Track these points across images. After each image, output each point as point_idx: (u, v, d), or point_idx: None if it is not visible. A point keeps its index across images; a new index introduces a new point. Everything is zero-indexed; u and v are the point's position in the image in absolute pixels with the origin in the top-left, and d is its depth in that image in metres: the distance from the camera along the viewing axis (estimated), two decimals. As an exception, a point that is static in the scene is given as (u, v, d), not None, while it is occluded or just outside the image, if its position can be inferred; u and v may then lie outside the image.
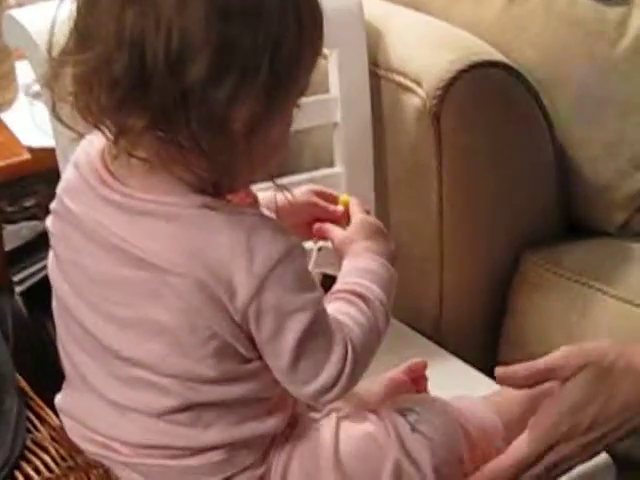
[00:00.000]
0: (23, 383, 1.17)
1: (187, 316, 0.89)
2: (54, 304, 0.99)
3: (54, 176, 1.18)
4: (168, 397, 0.92)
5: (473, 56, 1.33)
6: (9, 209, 1.58)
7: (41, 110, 1.41)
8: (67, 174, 0.96)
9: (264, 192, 1.02)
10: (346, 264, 1.00)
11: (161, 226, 0.88)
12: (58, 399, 1.02)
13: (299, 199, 1.06)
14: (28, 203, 1.58)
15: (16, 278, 1.51)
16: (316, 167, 1.36)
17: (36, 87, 1.51)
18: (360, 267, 0.99)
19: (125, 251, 0.90)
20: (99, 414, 0.96)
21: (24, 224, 1.55)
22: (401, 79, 1.35)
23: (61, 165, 1.17)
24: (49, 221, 0.98)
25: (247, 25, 0.83)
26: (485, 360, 1.40)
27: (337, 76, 1.33)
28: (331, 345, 0.91)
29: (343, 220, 1.05)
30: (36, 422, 1.12)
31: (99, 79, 0.84)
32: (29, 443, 1.09)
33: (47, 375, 1.31)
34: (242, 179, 0.91)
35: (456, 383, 1.32)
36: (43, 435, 1.10)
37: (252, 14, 0.83)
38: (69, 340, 0.98)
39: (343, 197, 1.06)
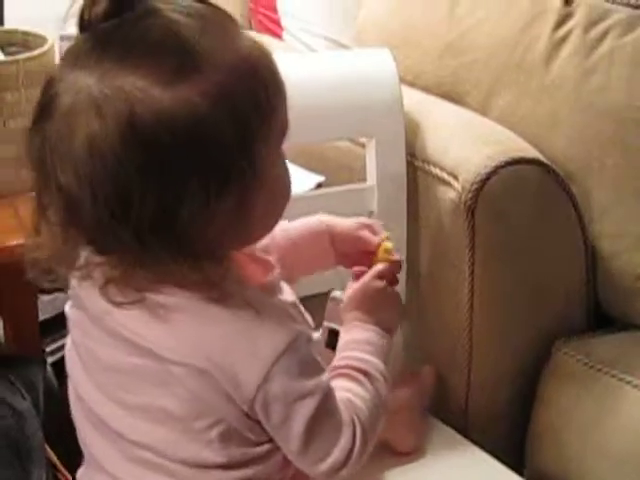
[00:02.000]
0: (52, 455, 1.18)
1: (192, 404, 0.90)
2: (69, 387, 1.01)
3: None
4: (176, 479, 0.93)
5: (509, 152, 1.35)
6: (44, 279, 1.59)
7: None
8: None
9: (313, 217, 1.07)
10: (342, 335, 1.01)
11: (162, 318, 0.89)
12: (79, 475, 1.03)
13: (347, 230, 1.08)
14: (63, 274, 1.59)
15: (49, 349, 1.53)
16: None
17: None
18: (356, 339, 1.00)
19: (130, 340, 0.91)
20: None
21: (58, 295, 1.56)
22: (437, 171, 1.37)
23: None
24: (67, 306, 1.00)
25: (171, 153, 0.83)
26: (512, 453, 1.40)
27: (374, 165, 1.35)
28: (340, 426, 0.93)
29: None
30: (63, 494, 1.13)
31: None
32: (54, 516, 1.10)
33: (76, 447, 1.32)
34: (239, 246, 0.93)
35: (481, 477, 1.32)
36: (69, 507, 1.11)
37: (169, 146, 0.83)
38: (83, 422, 0.99)
39: (385, 244, 1.06)
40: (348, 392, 0.95)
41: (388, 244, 1.06)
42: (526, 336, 1.43)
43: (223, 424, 0.91)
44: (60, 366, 1.49)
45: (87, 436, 0.99)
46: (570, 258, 1.44)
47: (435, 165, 1.37)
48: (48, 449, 1.18)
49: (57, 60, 1.43)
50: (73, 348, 0.99)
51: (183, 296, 0.89)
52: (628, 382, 1.35)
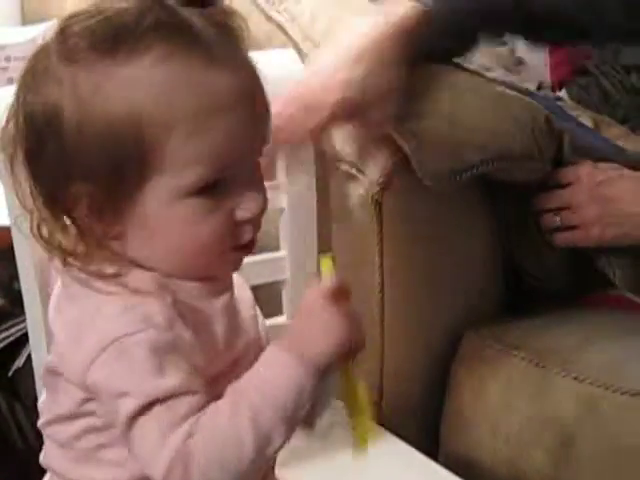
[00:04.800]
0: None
1: None
2: None
3: (11, 253, 1.21)
4: None
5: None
6: (-35, 288, 1.62)
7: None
8: None
9: None
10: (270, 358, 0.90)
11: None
12: None
13: None
14: (-17, 282, 1.62)
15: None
16: (261, 251, 1.36)
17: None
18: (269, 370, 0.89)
19: None
20: None
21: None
22: (347, 168, 1.40)
23: (15, 244, 1.19)
24: None
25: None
26: (427, 441, 1.45)
27: (284, 165, 1.38)
28: (162, 444, 0.86)
29: None
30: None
31: None
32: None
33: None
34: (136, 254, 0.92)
35: (397, 464, 1.35)
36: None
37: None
38: None
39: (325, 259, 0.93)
40: (215, 417, 0.87)
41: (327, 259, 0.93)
42: (438, 325, 1.48)
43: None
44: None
45: None
46: (480, 247, 1.49)
47: (345, 162, 1.40)
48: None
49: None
50: None
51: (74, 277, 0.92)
52: (536, 364, 1.39)
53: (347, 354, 0.90)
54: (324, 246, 1.41)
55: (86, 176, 0.87)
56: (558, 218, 1.46)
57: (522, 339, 1.44)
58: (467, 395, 1.44)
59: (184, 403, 0.87)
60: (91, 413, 0.93)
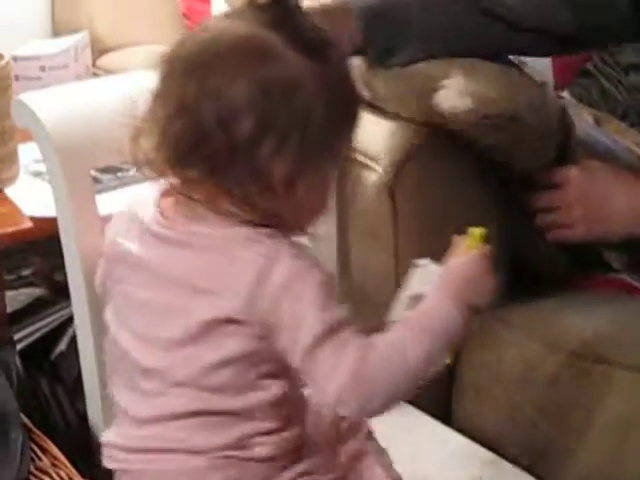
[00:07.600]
0: (26, 420, 1.30)
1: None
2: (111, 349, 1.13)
3: (52, 247, 1.28)
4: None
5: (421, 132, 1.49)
6: (7, 277, 1.71)
7: (41, 186, 1.56)
8: (117, 224, 1.13)
9: None
10: (430, 296, 1.11)
11: (191, 254, 1.04)
12: (105, 435, 1.15)
13: None
14: (25, 272, 1.71)
15: (16, 336, 1.65)
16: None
17: (36, 166, 1.67)
18: (435, 308, 1.10)
19: (159, 275, 1.06)
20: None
21: (23, 290, 1.68)
22: (362, 158, 1.50)
23: (62, 234, 1.24)
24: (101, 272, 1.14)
25: (283, 101, 1.00)
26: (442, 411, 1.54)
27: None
28: (335, 368, 1.02)
29: None
30: (38, 452, 1.25)
31: (165, 137, 1.02)
32: (33, 469, 1.22)
33: (43, 419, 1.43)
34: (287, 225, 1.07)
35: (412, 429, 1.46)
36: (45, 463, 1.22)
37: (288, 94, 1.00)
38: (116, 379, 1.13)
39: (478, 230, 1.16)
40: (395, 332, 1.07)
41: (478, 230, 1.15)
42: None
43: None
44: (24, 354, 1.64)
45: (118, 390, 1.13)
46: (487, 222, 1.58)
47: (360, 153, 1.50)
48: (22, 415, 1.30)
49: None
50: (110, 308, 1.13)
51: (211, 235, 1.04)
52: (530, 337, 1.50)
53: None
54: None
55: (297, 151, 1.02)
56: (549, 217, 1.55)
57: (527, 319, 1.55)
58: (473, 369, 1.55)
59: (349, 331, 1.04)
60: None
